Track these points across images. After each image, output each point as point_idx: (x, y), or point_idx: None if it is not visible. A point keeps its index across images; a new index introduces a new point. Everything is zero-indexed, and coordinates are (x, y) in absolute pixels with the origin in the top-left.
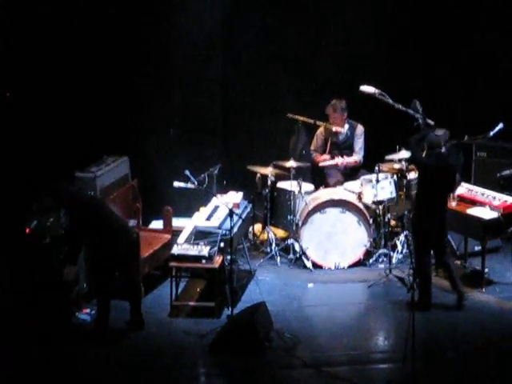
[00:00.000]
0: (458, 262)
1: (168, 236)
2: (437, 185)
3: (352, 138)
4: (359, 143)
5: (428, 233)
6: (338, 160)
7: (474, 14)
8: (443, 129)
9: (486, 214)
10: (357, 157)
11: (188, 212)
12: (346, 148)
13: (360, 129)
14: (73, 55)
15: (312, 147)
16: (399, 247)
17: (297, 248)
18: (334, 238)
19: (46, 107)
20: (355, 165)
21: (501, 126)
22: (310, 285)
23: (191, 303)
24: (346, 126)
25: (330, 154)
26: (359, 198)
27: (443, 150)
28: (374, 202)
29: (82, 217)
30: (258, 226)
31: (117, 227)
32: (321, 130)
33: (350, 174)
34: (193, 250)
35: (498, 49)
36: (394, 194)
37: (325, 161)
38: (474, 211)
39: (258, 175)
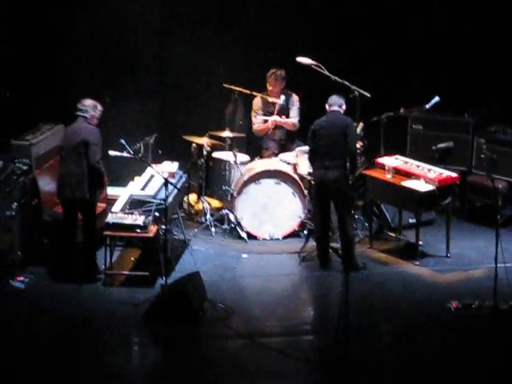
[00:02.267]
0: (393, 234)
1: (103, 205)
2: (324, 139)
3: (287, 106)
4: (295, 110)
5: (317, 188)
6: (276, 118)
7: None
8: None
9: (421, 186)
10: (294, 120)
11: (123, 181)
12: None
13: (295, 97)
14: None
15: (254, 117)
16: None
17: (231, 218)
18: (269, 209)
19: None
20: (292, 128)
21: (437, 99)
22: (245, 255)
23: (125, 272)
24: (283, 97)
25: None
26: (294, 169)
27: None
28: (309, 173)
29: None
30: (193, 196)
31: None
32: (257, 100)
33: (286, 144)
34: (127, 219)
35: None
36: None
37: (265, 123)
38: (409, 184)
39: (194, 145)
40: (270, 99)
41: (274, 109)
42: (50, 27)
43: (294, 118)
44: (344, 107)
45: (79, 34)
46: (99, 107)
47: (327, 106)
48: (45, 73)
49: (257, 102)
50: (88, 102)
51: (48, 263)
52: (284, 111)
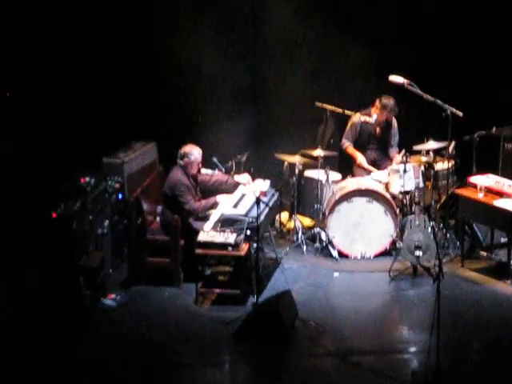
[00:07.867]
0: (484, 254)
1: None
2: None
3: (389, 132)
4: (396, 136)
5: None
6: (374, 170)
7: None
8: None
9: None
10: (392, 153)
11: None
12: (382, 141)
13: (395, 123)
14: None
15: (347, 137)
16: None
17: (323, 237)
18: (361, 228)
19: (74, 92)
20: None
21: None
22: (336, 274)
23: (216, 290)
24: (374, 116)
25: (365, 147)
26: (386, 188)
27: None
28: (401, 192)
29: None
30: (284, 215)
31: None
32: (354, 120)
33: (379, 164)
34: (219, 238)
35: None
36: (421, 185)
37: (361, 163)
38: (500, 203)
39: (286, 163)
40: (363, 118)
41: (372, 128)
42: (147, 52)
43: (394, 146)
44: None
45: (175, 56)
46: (195, 153)
47: None
48: (137, 90)
49: (353, 124)
50: (184, 150)
51: (148, 281)
52: (384, 135)
